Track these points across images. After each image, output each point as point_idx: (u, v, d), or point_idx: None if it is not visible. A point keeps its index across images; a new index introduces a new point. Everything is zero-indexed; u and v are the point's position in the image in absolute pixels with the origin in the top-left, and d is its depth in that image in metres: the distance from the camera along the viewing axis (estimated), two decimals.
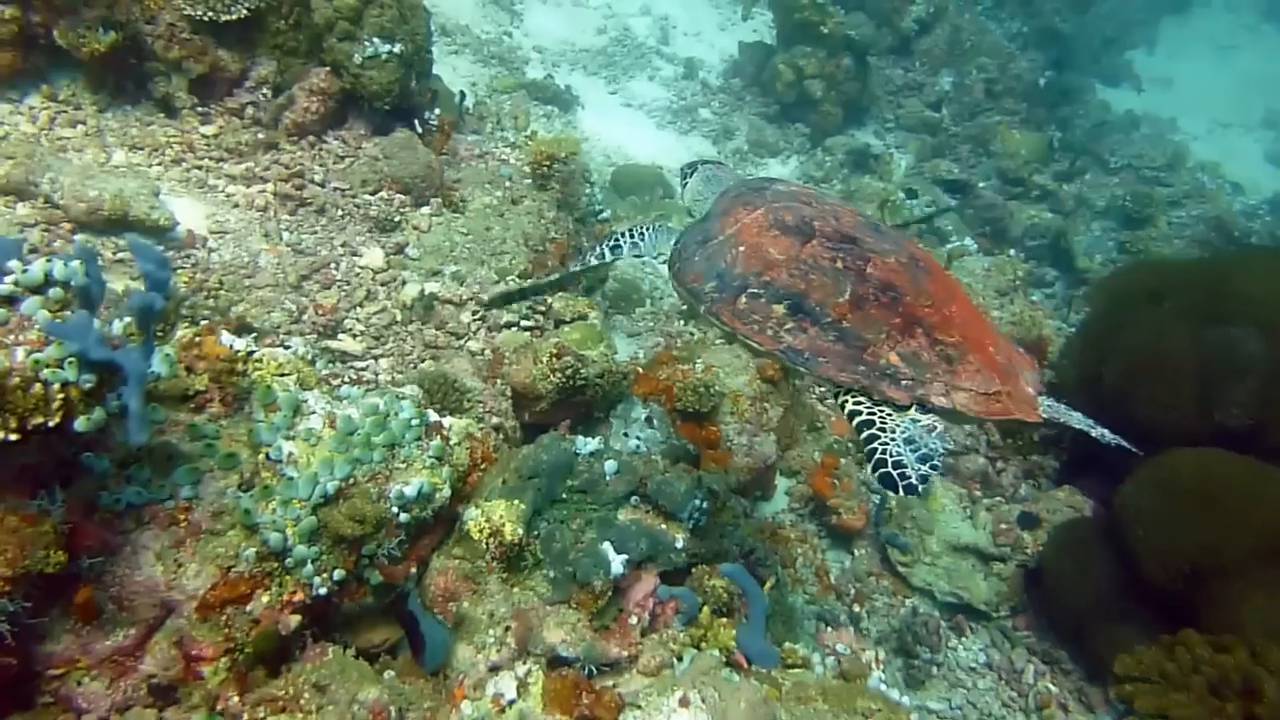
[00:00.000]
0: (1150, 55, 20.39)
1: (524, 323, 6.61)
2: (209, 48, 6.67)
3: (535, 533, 4.01)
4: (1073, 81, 15.96)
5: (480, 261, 6.87)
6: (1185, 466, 5.99)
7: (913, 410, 3.45)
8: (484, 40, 13.40)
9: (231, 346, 3.80)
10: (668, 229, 4.50)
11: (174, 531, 3.41)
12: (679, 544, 4.21)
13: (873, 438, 3.35)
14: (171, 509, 3.42)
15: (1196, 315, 6.76)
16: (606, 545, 3.99)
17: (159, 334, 3.88)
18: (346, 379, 5.55)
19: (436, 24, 11.70)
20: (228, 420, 3.74)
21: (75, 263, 3.08)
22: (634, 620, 4.00)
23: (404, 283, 6.52)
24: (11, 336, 2.82)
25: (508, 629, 3.85)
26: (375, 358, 6.01)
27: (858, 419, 3.45)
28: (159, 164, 6.38)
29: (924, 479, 3.21)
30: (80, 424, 2.89)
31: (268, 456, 3.65)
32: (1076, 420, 3.86)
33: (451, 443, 4.09)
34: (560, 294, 7.03)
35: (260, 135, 6.87)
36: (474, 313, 6.54)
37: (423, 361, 6.10)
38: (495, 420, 5.59)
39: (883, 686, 6.08)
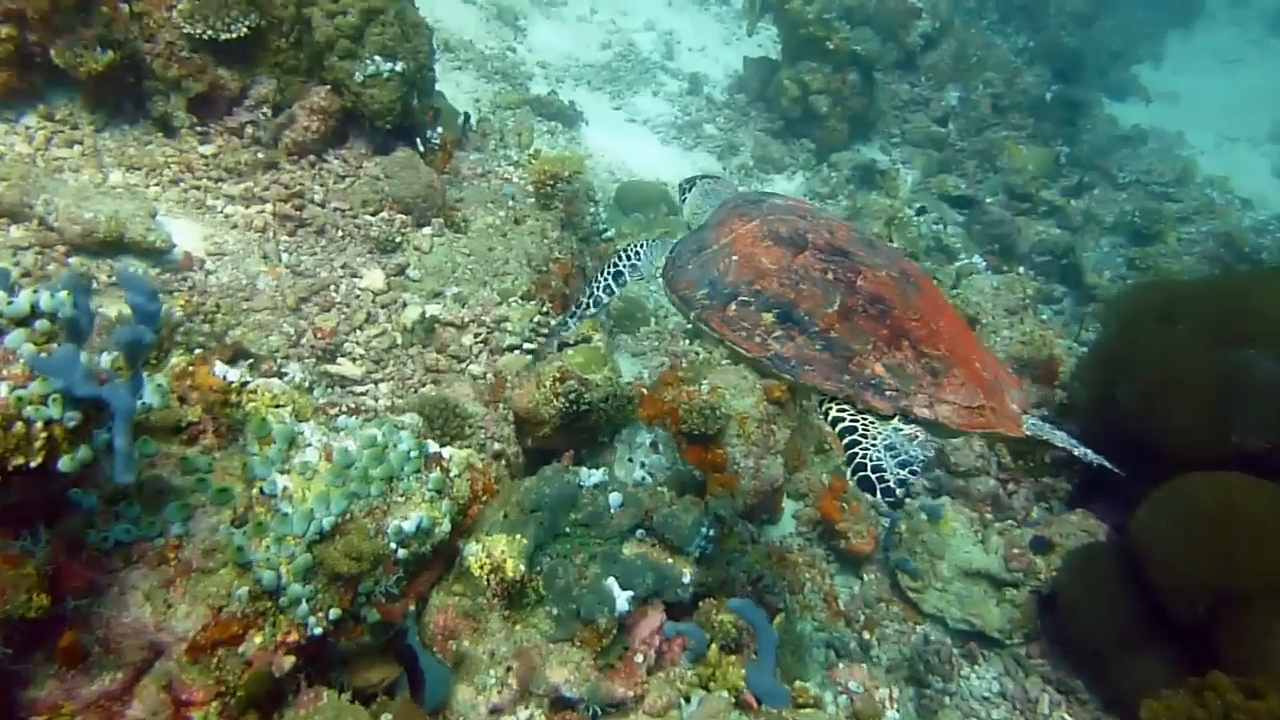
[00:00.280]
0: (1156, 70, 20.33)
1: (527, 345, 6.49)
2: (208, 66, 6.60)
3: (538, 568, 3.89)
4: (1079, 96, 15.86)
5: (483, 283, 6.77)
6: (1204, 491, 5.86)
7: (895, 420, 3.48)
8: (487, 56, 13.35)
9: (225, 377, 3.68)
10: (663, 242, 4.49)
11: (163, 570, 3.29)
12: (686, 579, 4.08)
13: (854, 444, 3.39)
14: (161, 547, 3.30)
15: (1211, 335, 6.64)
16: (611, 581, 3.87)
17: (152, 361, 3.79)
18: (345, 407, 5.44)
19: (439, 40, 11.68)
20: (221, 452, 3.63)
21: (63, 293, 2.97)
22: (640, 658, 3.88)
23: (405, 305, 6.41)
24: None
25: (509, 669, 3.72)
26: (375, 382, 5.90)
27: (840, 425, 3.49)
28: (156, 184, 6.30)
29: (902, 483, 3.23)
30: (64, 464, 2.78)
31: (262, 491, 3.52)
32: (1060, 439, 3.85)
33: (451, 474, 3.97)
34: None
35: (260, 155, 6.79)
36: (476, 335, 6.43)
37: (423, 386, 5.99)
38: (497, 446, 5.47)
39: None
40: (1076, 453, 3.93)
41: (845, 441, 3.42)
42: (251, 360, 5.46)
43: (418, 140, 7.59)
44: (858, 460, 3.31)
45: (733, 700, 3.89)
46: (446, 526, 3.82)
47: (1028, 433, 3.64)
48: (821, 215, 4.14)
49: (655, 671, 3.92)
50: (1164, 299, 7.35)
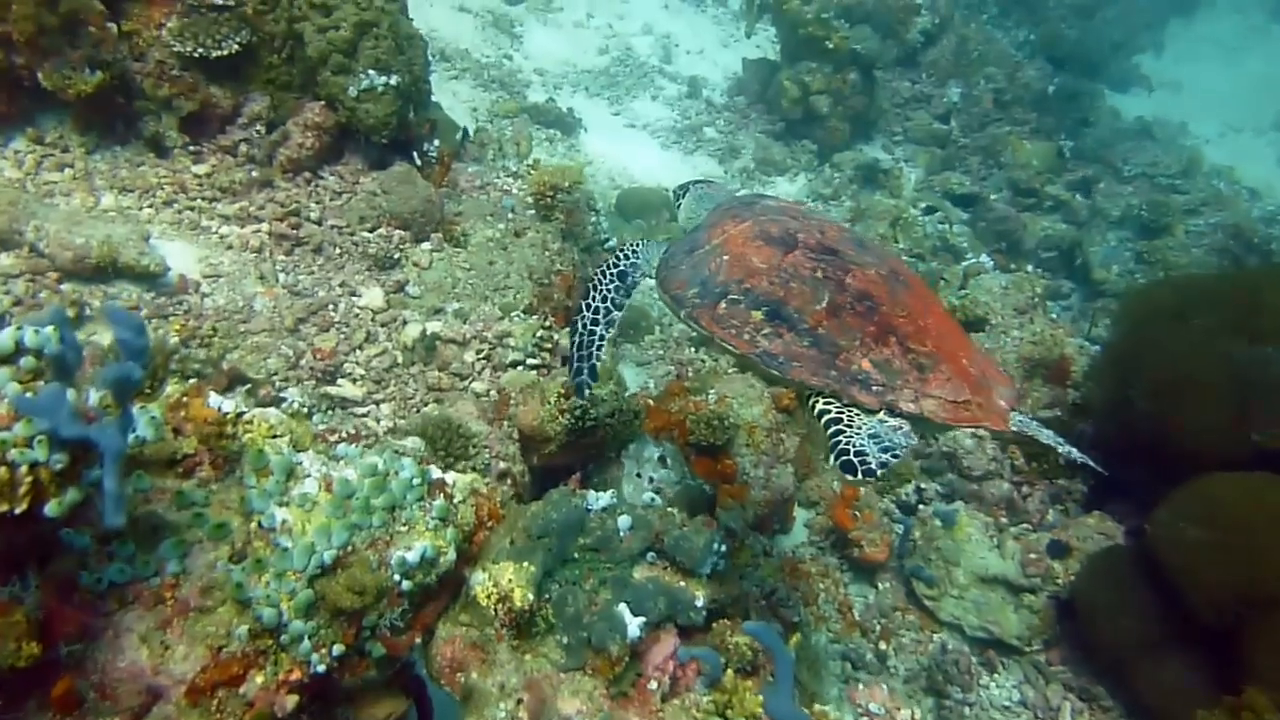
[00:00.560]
0: (1158, 59, 20.19)
1: (530, 360, 6.38)
2: (200, 84, 6.51)
3: (546, 596, 3.78)
4: (1081, 88, 15.72)
5: (484, 297, 6.66)
6: (1226, 492, 5.74)
7: (881, 414, 3.53)
8: (484, 64, 13.26)
9: (220, 409, 3.58)
10: (658, 242, 4.52)
11: (160, 610, 3.19)
12: (699, 602, 3.96)
13: (838, 432, 3.44)
14: (157, 586, 3.21)
15: (1227, 333, 6.52)
16: (622, 607, 3.75)
17: (146, 390, 3.68)
18: (345, 432, 5.33)
19: (435, 49, 11.59)
20: (218, 484, 3.53)
21: (49, 329, 2.88)
22: (654, 685, 3.76)
23: (405, 323, 6.31)
24: None
25: (520, 701, 3.61)
26: (376, 403, 5.80)
27: (826, 417, 3.54)
28: (150, 206, 6.21)
29: (884, 465, 3.27)
30: (51, 509, 2.68)
31: (260, 525, 3.42)
32: (1046, 436, 3.86)
33: (456, 500, 3.86)
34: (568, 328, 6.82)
35: (254, 173, 6.69)
36: (478, 352, 6.32)
37: (425, 405, 5.89)
38: (502, 466, 5.36)
39: None
40: (1061, 450, 3.95)
41: (829, 432, 3.48)
42: (249, 385, 5.35)
43: (415, 154, 7.49)
44: (840, 445, 3.36)
45: None
46: (452, 555, 3.71)
47: (1014, 428, 3.68)
48: (813, 216, 4.19)
49: (670, 699, 3.80)
50: (1176, 297, 7.22)
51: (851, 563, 7.02)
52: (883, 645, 6.54)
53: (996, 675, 6.41)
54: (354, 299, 6.34)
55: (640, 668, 3.79)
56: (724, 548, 4.24)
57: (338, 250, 6.60)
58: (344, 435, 4.99)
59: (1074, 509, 7.33)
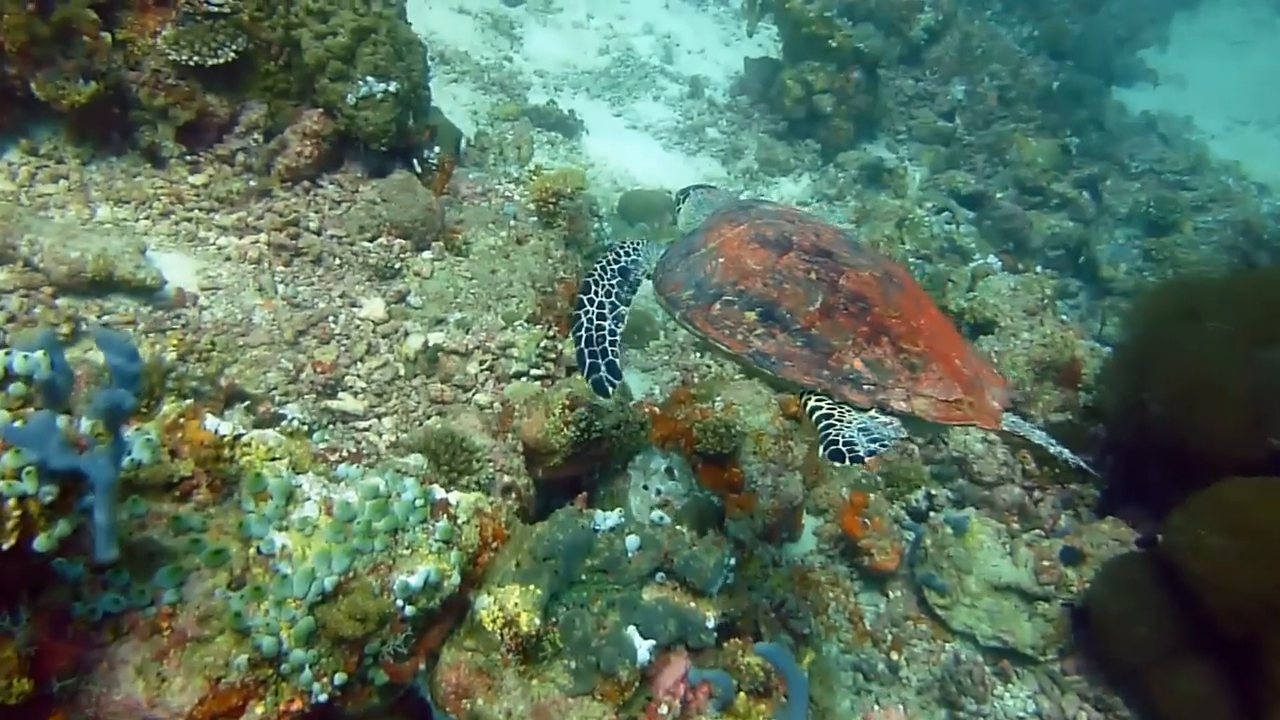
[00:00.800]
0: (1162, 53, 20.07)
1: (534, 371, 6.28)
2: (196, 93, 6.42)
3: (553, 619, 3.69)
4: (1086, 83, 15.60)
5: (486, 307, 6.57)
6: (1246, 497, 5.62)
7: (872, 412, 3.59)
8: (484, 67, 13.16)
9: (217, 431, 3.49)
10: (657, 244, 4.54)
11: (156, 641, 3.09)
12: (710, 623, 3.87)
13: (828, 426, 3.48)
14: (153, 616, 3.11)
15: (1243, 334, 6.42)
16: (631, 630, 3.66)
17: (142, 410, 3.59)
18: (346, 451, 5.22)
19: (435, 51, 11.51)
20: (216, 509, 3.43)
21: (38, 354, 2.80)
22: (664, 710, 3.67)
23: (406, 334, 6.21)
24: None
25: None
26: (378, 417, 5.71)
27: (817, 414, 3.58)
28: (146, 217, 6.12)
29: (871, 453, 3.33)
30: (40, 543, 2.59)
31: (259, 551, 3.33)
32: (1038, 438, 3.91)
33: (460, 521, 3.77)
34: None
35: (252, 182, 6.60)
36: (481, 363, 6.22)
37: (428, 418, 5.79)
38: (507, 479, 5.25)
39: None
40: (1053, 451, 3.96)
41: (820, 427, 3.51)
42: (248, 401, 5.26)
43: (415, 161, 7.38)
44: (830, 436, 3.41)
45: None
46: (456, 578, 3.62)
47: (1005, 428, 3.72)
48: (810, 220, 4.25)
49: None
50: (1189, 298, 7.11)
51: (862, 571, 6.92)
52: (894, 655, 6.44)
53: (1011, 685, 6.31)
54: (354, 310, 6.24)
55: (650, 691, 3.70)
56: (733, 560, 4.16)
57: (337, 260, 6.51)
58: (345, 454, 4.89)
59: (1087, 514, 7.23)
